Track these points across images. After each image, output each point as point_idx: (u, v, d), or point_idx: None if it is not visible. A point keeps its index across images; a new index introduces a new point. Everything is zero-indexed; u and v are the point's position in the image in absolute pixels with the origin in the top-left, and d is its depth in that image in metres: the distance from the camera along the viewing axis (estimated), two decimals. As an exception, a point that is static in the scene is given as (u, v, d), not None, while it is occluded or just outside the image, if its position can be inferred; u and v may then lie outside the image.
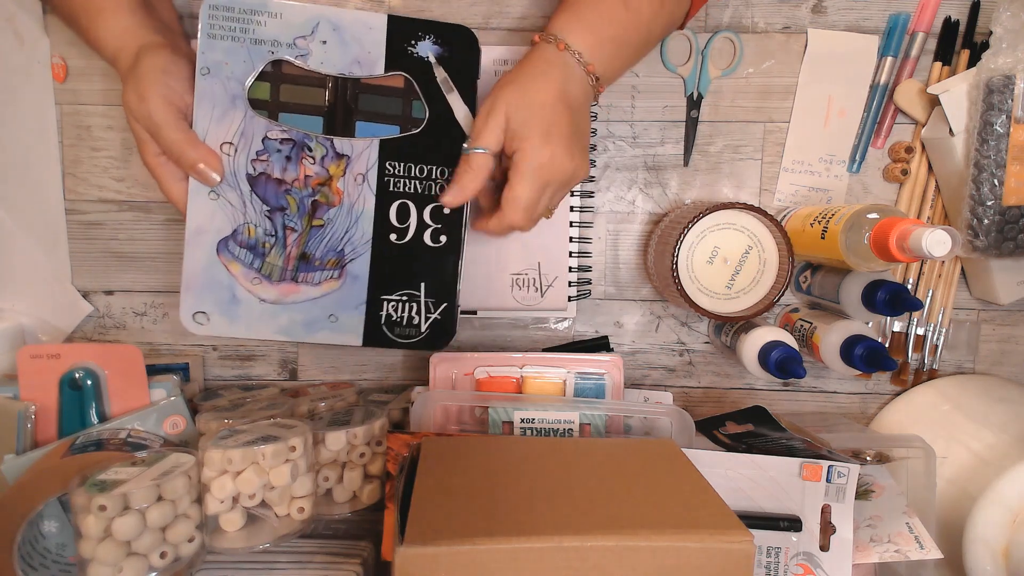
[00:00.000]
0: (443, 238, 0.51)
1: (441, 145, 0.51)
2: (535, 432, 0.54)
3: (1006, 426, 0.55)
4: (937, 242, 0.44)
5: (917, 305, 0.52)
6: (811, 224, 0.55)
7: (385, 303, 0.52)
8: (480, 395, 0.55)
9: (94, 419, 0.54)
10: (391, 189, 0.50)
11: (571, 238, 0.61)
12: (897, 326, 0.64)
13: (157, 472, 0.44)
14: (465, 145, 0.49)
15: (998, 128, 0.54)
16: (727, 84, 0.62)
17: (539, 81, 0.48)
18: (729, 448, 0.51)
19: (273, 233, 0.50)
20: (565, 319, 0.64)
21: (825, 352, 0.55)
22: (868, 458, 0.57)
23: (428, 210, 0.51)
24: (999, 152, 0.54)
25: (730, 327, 0.59)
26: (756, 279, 0.54)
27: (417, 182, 0.51)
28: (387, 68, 0.50)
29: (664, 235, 0.58)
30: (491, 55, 0.58)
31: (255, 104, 0.49)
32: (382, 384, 0.65)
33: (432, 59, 0.50)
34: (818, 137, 0.62)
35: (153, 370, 0.58)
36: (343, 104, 0.50)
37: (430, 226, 0.51)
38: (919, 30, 0.60)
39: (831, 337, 0.55)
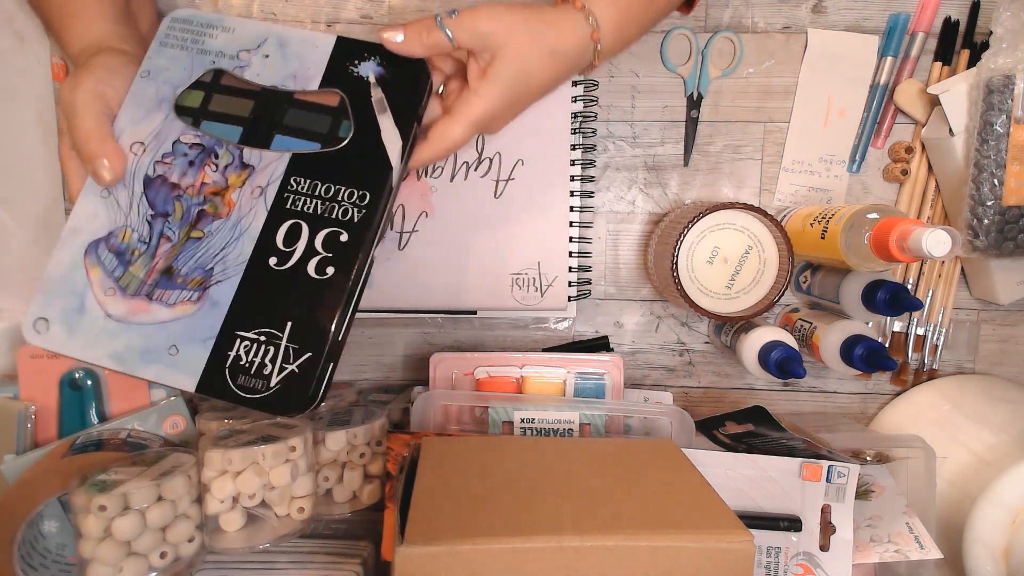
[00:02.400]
0: (330, 270, 0.42)
1: (358, 168, 0.45)
2: (535, 432, 0.54)
3: (1006, 426, 0.55)
4: (937, 242, 0.44)
5: (917, 305, 0.52)
6: (811, 224, 0.55)
7: (238, 340, 0.42)
8: (480, 395, 0.55)
9: (94, 419, 0.54)
10: (288, 206, 0.44)
11: (571, 238, 0.61)
12: (897, 326, 0.64)
13: (157, 472, 0.44)
14: (438, 16, 0.45)
15: (998, 128, 0.54)
16: (727, 84, 0.62)
17: (553, 24, 0.46)
18: (729, 448, 0.51)
19: (147, 240, 0.44)
20: (565, 319, 0.64)
21: (825, 352, 0.55)
22: (868, 458, 0.57)
23: (321, 236, 0.43)
24: (999, 152, 0.54)
25: (730, 327, 0.59)
26: (756, 279, 0.54)
27: (319, 202, 0.44)
28: (323, 85, 0.47)
29: (664, 235, 0.58)
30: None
31: (182, 111, 0.46)
32: (382, 384, 0.65)
33: (371, 78, 0.47)
34: (818, 137, 0.62)
35: (153, 370, 0.58)
36: (268, 117, 0.46)
37: (319, 254, 0.43)
38: (919, 30, 0.60)
39: (831, 337, 0.55)
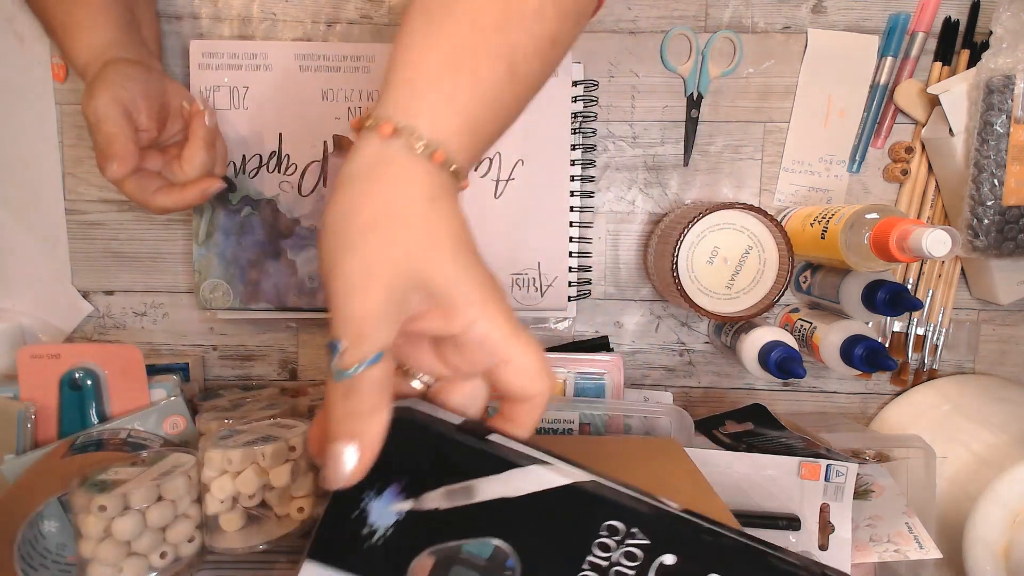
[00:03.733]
0: None
1: (557, 525, 0.29)
2: (535, 432, 0.54)
3: (1006, 426, 0.55)
4: (937, 242, 0.44)
5: (917, 305, 0.52)
6: (811, 224, 0.55)
7: None
8: (480, 395, 0.55)
9: (94, 419, 0.54)
10: None
11: (571, 238, 0.61)
12: (897, 326, 0.64)
13: (157, 472, 0.44)
14: (335, 365, 0.27)
15: (998, 128, 0.54)
16: (727, 84, 0.62)
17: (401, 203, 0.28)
18: (728, 447, 0.51)
19: None
20: (565, 319, 0.64)
21: (825, 352, 0.55)
22: (868, 458, 0.57)
23: None
24: (999, 152, 0.54)
25: (730, 327, 0.59)
26: (756, 279, 0.54)
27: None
28: None
29: (664, 235, 0.58)
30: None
31: None
32: (382, 384, 0.65)
33: (405, 502, 0.29)
34: (818, 137, 0.62)
35: (153, 370, 0.58)
36: None
37: None
38: (919, 30, 0.60)
39: (831, 337, 0.55)
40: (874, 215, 0.50)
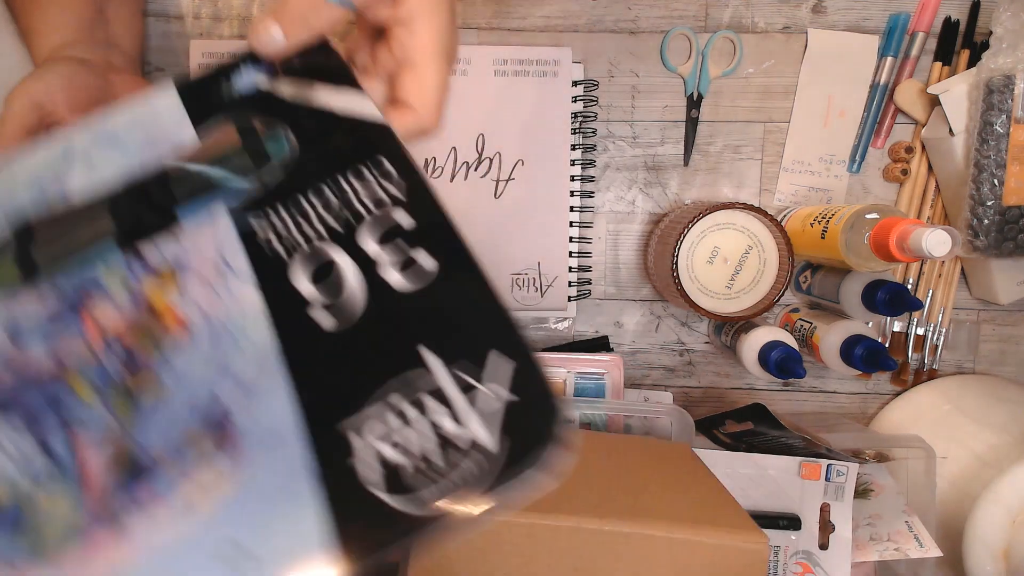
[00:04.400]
0: (428, 263, 0.28)
1: (332, 150, 0.31)
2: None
3: (1006, 426, 0.55)
4: (937, 242, 0.44)
5: (917, 305, 0.52)
6: (811, 224, 0.55)
7: (353, 437, 0.24)
8: (480, 395, 0.55)
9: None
10: (279, 254, 0.29)
11: (571, 238, 0.61)
12: (897, 326, 0.64)
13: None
14: None
15: (998, 128, 0.54)
16: (727, 84, 0.62)
17: None
18: (728, 447, 0.51)
19: (56, 467, 0.25)
20: (565, 319, 0.64)
21: (825, 352, 0.55)
22: (868, 458, 0.57)
23: (370, 241, 0.28)
24: (999, 152, 0.54)
25: (730, 327, 0.59)
26: (756, 279, 0.54)
27: (327, 213, 0.29)
28: (199, 131, 0.33)
29: (664, 235, 0.58)
30: (491, 55, 0.59)
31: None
32: (382, 384, 0.65)
33: (264, 81, 0.34)
34: (818, 137, 0.62)
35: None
36: (148, 203, 0.32)
37: (388, 260, 0.28)
38: (919, 30, 0.60)
39: (831, 337, 0.55)
40: (874, 215, 0.50)
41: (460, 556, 0.34)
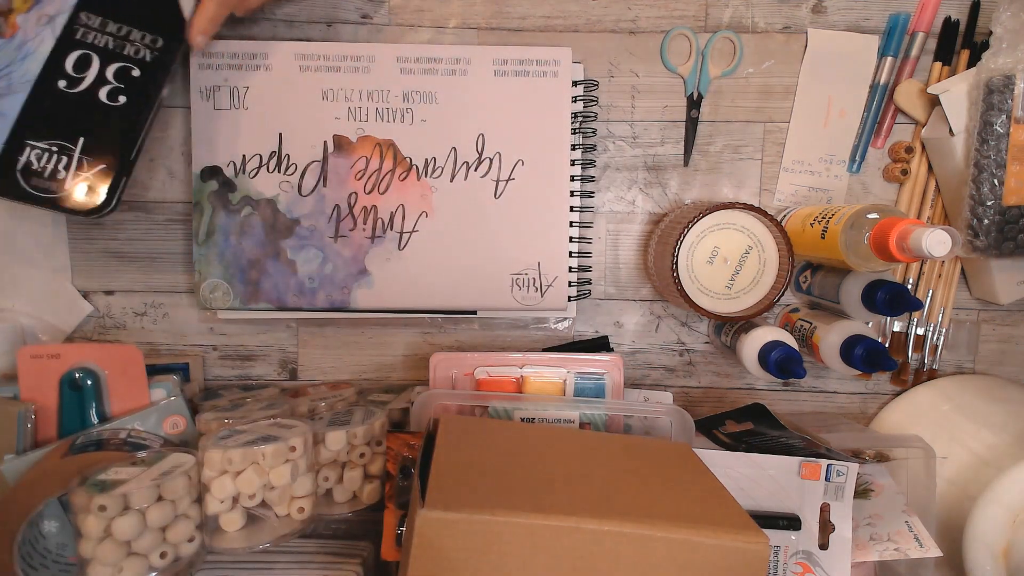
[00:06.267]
0: (122, 99, 0.50)
1: (154, 10, 0.50)
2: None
3: (1006, 426, 0.55)
4: (937, 242, 0.44)
5: (917, 305, 0.52)
6: (811, 224, 0.55)
7: (28, 148, 0.48)
8: (480, 395, 0.55)
9: (94, 419, 0.54)
10: (78, 38, 0.49)
11: (571, 238, 0.61)
12: (897, 326, 0.64)
13: (157, 472, 0.44)
14: None
15: (998, 128, 0.54)
16: (727, 84, 0.62)
17: None
18: (728, 447, 0.51)
19: None
20: (565, 319, 0.64)
21: (825, 352, 0.55)
22: (868, 458, 0.57)
23: (113, 68, 0.50)
24: (999, 152, 0.54)
25: (730, 327, 0.59)
26: (756, 279, 0.54)
27: (111, 39, 0.50)
28: None
29: (664, 235, 0.58)
30: (491, 55, 0.58)
31: None
32: (382, 384, 0.65)
33: None
34: (818, 137, 0.62)
35: (153, 370, 0.58)
36: None
37: (110, 84, 0.49)
38: (919, 30, 0.60)
39: (831, 337, 0.55)
40: (874, 215, 0.50)
41: (460, 556, 0.34)
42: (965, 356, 0.65)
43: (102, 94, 0.50)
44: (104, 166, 0.50)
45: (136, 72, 0.50)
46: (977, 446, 0.54)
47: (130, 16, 0.51)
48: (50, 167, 0.48)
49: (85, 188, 0.49)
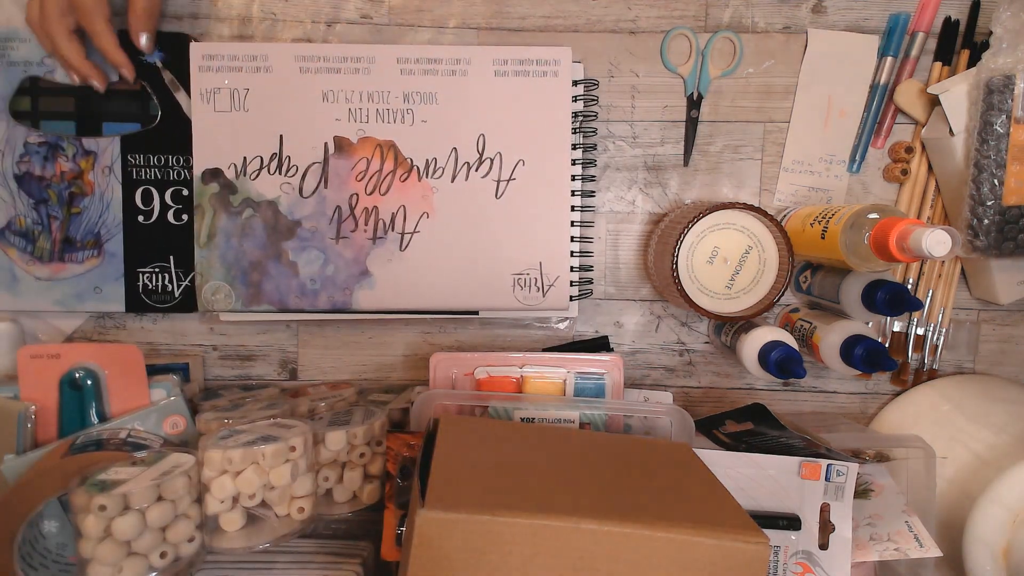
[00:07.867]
0: (184, 217, 0.59)
1: (175, 136, 0.58)
2: (533, 430, 0.55)
3: (1006, 426, 0.55)
4: (937, 242, 0.44)
5: (917, 305, 0.52)
6: (811, 224, 0.55)
7: (140, 275, 0.59)
8: (480, 395, 0.55)
9: (94, 419, 0.54)
10: (135, 177, 0.59)
11: (572, 238, 0.61)
12: (897, 326, 0.64)
13: (157, 472, 0.44)
14: None
15: (998, 128, 0.54)
16: (727, 84, 0.62)
17: None
18: (728, 447, 0.51)
19: (40, 222, 0.59)
20: (566, 319, 0.64)
21: (825, 352, 0.55)
22: (868, 458, 0.57)
23: (169, 193, 0.59)
24: (999, 152, 0.54)
25: (730, 327, 0.59)
26: (756, 279, 0.54)
27: (157, 170, 0.59)
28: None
29: (664, 235, 0.58)
30: (491, 55, 0.58)
31: (18, 116, 0.58)
32: (382, 384, 0.65)
33: (159, 64, 0.58)
34: (818, 137, 0.62)
35: (153, 370, 0.58)
36: (91, 108, 0.58)
37: (172, 207, 0.59)
38: (919, 30, 0.60)
39: (831, 337, 0.55)
40: (874, 215, 0.50)
41: (460, 556, 0.34)
42: (965, 356, 0.65)
43: (170, 216, 0.59)
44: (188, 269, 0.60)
45: (185, 191, 0.59)
46: (977, 446, 0.54)
47: (161, 146, 0.59)
48: (160, 284, 0.60)
49: (188, 293, 0.60)
